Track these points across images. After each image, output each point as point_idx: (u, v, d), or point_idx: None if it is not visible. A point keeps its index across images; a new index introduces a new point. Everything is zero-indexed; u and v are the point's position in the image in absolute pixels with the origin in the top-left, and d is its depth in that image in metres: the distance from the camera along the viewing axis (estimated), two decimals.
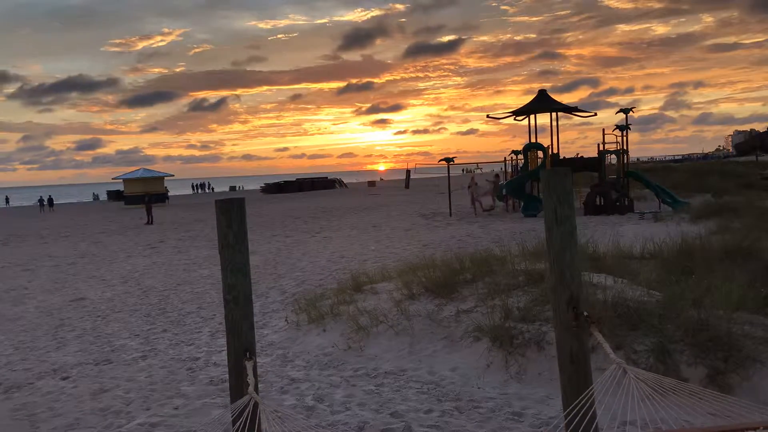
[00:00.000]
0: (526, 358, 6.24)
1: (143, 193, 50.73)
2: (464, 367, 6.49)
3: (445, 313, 7.48)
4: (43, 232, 31.78)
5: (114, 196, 70.07)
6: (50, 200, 59.14)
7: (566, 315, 3.51)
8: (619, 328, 5.93)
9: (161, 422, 5.65)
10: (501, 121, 28.85)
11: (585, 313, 3.48)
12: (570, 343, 3.53)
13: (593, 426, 3.24)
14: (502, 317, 6.79)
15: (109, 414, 6.01)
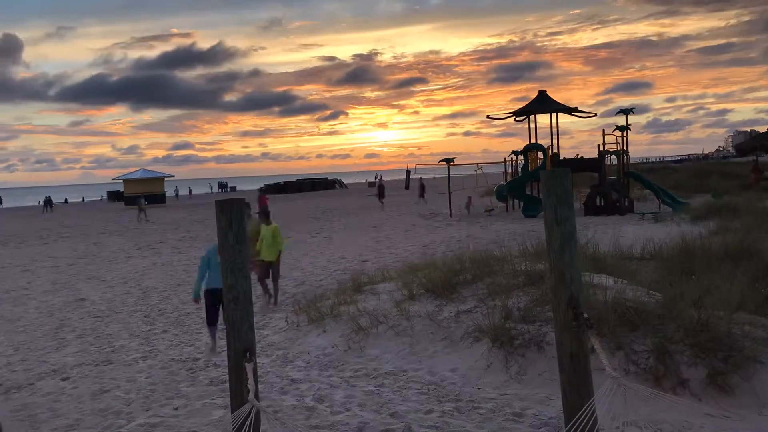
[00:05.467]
0: (526, 359, 6.24)
1: (141, 194, 50.85)
2: (464, 368, 6.48)
3: (445, 313, 7.48)
4: (43, 233, 31.79)
5: (114, 196, 70.03)
6: (49, 201, 59.03)
7: (566, 315, 3.51)
8: (620, 328, 5.93)
9: (161, 423, 5.65)
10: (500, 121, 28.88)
11: (585, 315, 3.48)
12: (570, 344, 3.52)
13: None
14: (502, 318, 6.79)
15: (109, 414, 6.01)
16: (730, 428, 4.78)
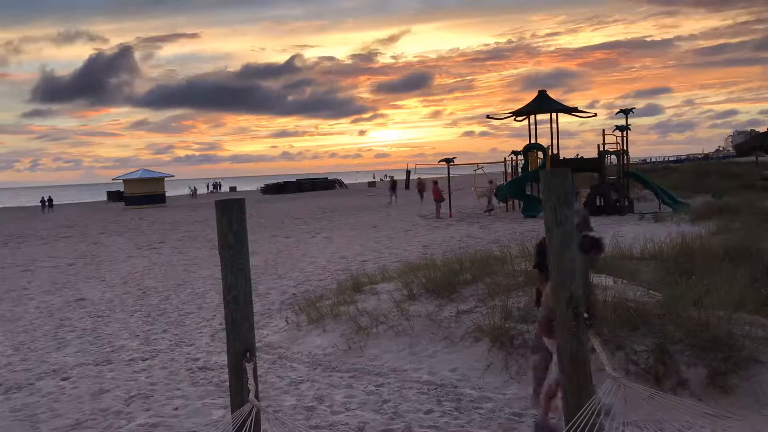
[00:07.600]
0: (526, 359, 6.23)
1: (145, 194, 51.00)
2: (464, 368, 6.49)
3: (445, 313, 7.48)
4: (42, 232, 31.78)
5: (114, 196, 69.96)
6: (50, 200, 58.99)
7: (566, 315, 3.52)
8: (620, 328, 5.93)
9: (161, 423, 5.65)
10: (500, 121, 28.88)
11: (585, 315, 3.48)
12: (570, 344, 3.53)
13: None
14: (502, 318, 6.79)
15: (109, 414, 6.01)
16: (730, 428, 4.79)
